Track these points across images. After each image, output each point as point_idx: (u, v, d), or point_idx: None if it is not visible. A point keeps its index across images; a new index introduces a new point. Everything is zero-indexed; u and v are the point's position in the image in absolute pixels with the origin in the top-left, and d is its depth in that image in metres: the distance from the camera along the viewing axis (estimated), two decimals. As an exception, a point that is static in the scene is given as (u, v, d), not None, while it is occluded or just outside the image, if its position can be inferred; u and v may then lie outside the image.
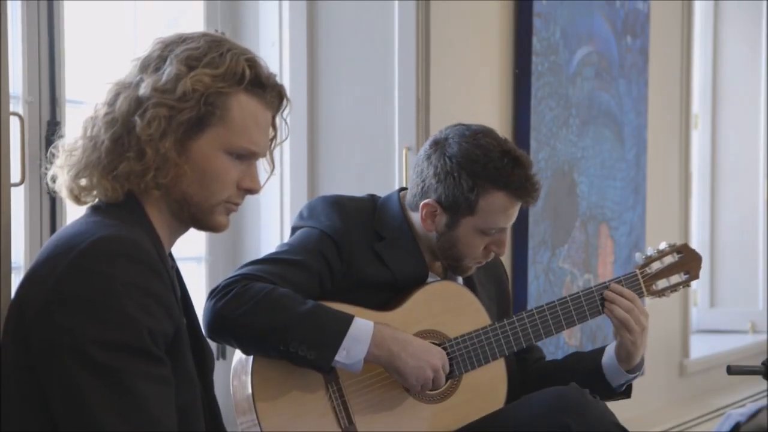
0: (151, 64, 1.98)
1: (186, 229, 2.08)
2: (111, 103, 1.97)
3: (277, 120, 2.09)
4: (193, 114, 1.96)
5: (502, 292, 2.93)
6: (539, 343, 2.83)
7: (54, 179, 2.03)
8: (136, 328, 1.84)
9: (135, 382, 1.84)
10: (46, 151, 2.73)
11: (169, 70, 1.96)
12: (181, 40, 2.01)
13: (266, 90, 2.03)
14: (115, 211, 1.97)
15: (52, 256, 1.90)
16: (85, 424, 1.82)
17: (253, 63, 2.01)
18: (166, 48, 2.00)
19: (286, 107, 2.09)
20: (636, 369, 2.78)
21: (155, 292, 1.88)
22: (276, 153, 2.14)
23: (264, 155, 2.07)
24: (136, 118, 1.94)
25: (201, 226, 2.06)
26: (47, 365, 1.85)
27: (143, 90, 1.95)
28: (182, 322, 1.97)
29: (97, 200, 2.00)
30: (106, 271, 1.85)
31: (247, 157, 2.03)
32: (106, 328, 1.83)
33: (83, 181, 1.98)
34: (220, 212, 2.04)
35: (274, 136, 2.10)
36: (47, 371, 1.85)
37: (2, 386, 1.91)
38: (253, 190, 2.06)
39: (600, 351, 2.84)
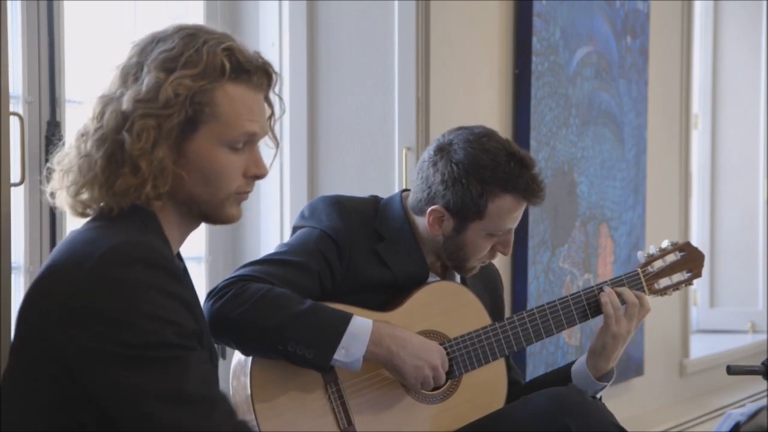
0: (130, 73, 1.95)
1: (196, 226, 2.07)
2: (99, 118, 1.95)
3: (271, 96, 2.06)
4: (181, 118, 1.93)
5: (497, 300, 2.92)
6: (540, 342, 2.83)
7: (53, 195, 2.02)
8: (165, 328, 1.85)
9: (182, 366, 1.86)
10: (46, 151, 2.75)
11: (147, 78, 1.93)
12: (155, 40, 1.97)
13: (251, 73, 1.99)
14: (124, 218, 1.95)
15: (66, 265, 1.90)
16: (146, 419, 1.84)
17: (231, 51, 1.97)
18: (142, 52, 1.96)
19: (276, 82, 2.05)
20: (606, 378, 2.79)
21: (177, 294, 1.88)
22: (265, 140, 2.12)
23: (264, 136, 2.05)
24: (125, 134, 1.92)
25: (213, 221, 2.05)
26: (90, 376, 1.85)
27: (126, 104, 1.92)
28: (203, 323, 1.98)
29: (103, 207, 1.98)
30: (126, 277, 1.84)
31: (247, 143, 2.01)
32: (137, 332, 1.83)
33: (84, 197, 1.97)
34: (231, 204, 2.03)
35: (272, 113, 2.07)
36: (92, 381, 1.85)
37: (14, 392, 1.92)
38: (260, 175, 2.04)
39: (571, 362, 2.85)
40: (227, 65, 1.95)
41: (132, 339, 1.82)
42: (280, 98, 2.08)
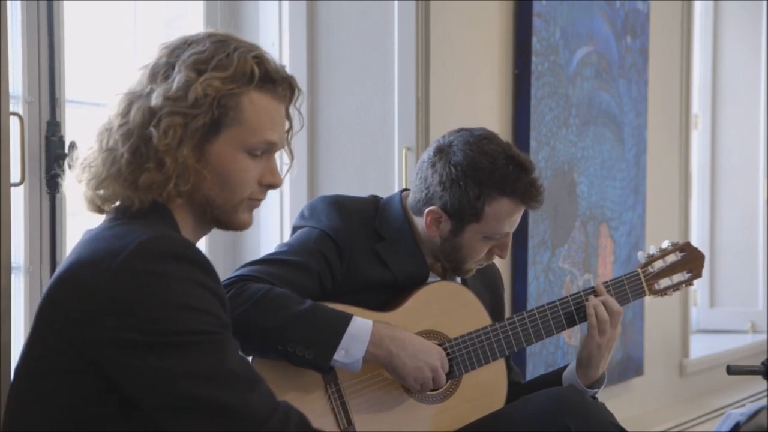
0: (160, 71, 1.99)
1: (208, 231, 2.11)
2: (124, 114, 1.98)
3: (291, 110, 2.11)
4: (207, 119, 1.97)
5: (497, 299, 2.92)
6: (540, 342, 2.83)
7: (67, 188, 2.05)
8: (198, 317, 1.87)
9: (220, 348, 1.89)
10: (46, 151, 2.75)
11: (178, 77, 1.97)
12: (187, 43, 2.02)
13: (276, 84, 2.04)
14: (144, 216, 1.98)
15: (94, 261, 1.91)
16: (187, 401, 1.86)
17: (260, 59, 2.02)
18: (173, 53, 2.01)
19: (298, 97, 2.10)
20: (596, 384, 2.79)
21: (208, 285, 1.91)
22: (281, 151, 2.16)
23: (282, 147, 2.10)
24: (152, 129, 1.95)
25: (225, 226, 2.09)
26: (122, 368, 1.87)
27: (155, 100, 1.96)
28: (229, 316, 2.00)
29: (120, 206, 2.01)
30: (157, 270, 1.87)
31: (265, 151, 2.05)
32: (171, 322, 1.85)
33: (104, 192, 2.00)
34: (243, 210, 2.07)
35: (290, 127, 2.12)
36: (123, 374, 1.87)
37: (28, 393, 1.93)
38: (275, 185, 2.09)
39: (561, 369, 2.85)
40: (256, 72, 2.00)
41: (166, 328, 1.85)
42: (300, 113, 2.13)
